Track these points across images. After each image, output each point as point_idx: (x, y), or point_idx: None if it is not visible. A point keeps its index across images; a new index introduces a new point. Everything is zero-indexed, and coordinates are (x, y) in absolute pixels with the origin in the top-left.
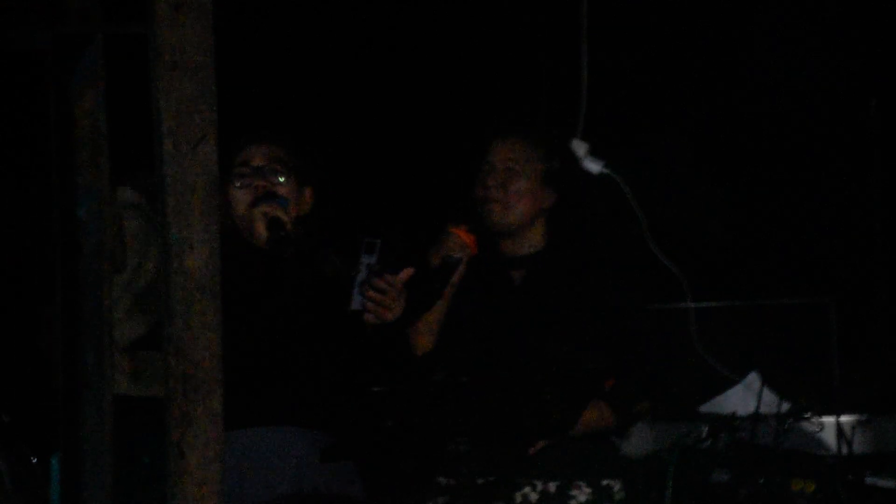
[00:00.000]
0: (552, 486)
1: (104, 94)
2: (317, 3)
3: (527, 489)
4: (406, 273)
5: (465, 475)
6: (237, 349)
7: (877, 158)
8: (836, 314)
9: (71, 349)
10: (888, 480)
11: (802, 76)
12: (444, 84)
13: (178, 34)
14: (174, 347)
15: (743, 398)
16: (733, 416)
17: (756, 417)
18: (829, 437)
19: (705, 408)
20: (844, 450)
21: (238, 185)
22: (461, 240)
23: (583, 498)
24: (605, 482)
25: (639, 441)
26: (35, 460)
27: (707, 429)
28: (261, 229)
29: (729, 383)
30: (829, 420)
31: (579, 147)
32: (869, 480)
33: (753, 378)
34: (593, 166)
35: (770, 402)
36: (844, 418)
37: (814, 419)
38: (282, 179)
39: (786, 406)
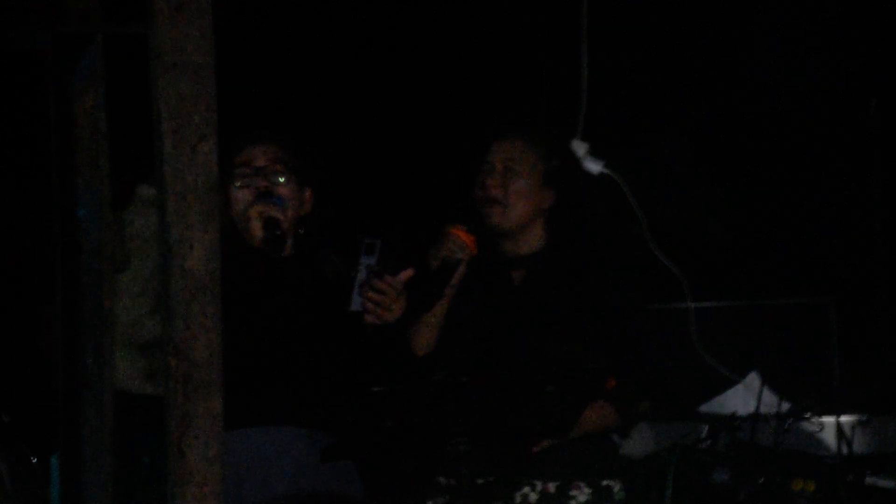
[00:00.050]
0: (552, 487)
1: (104, 94)
2: (317, 3)
3: (526, 489)
4: (406, 274)
5: (465, 475)
6: (237, 349)
7: (877, 158)
8: (836, 314)
9: (71, 349)
10: (888, 480)
11: (802, 76)
12: (444, 84)
13: (178, 34)
14: (174, 347)
15: (743, 398)
16: (733, 416)
17: (756, 417)
18: (829, 437)
19: (705, 408)
20: (844, 450)
21: (239, 184)
22: (461, 240)
23: (583, 498)
24: (605, 482)
25: (639, 441)
26: (35, 460)
27: (707, 429)
28: (257, 229)
29: (729, 383)
30: (829, 420)
31: (579, 147)
32: (869, 480)
33: (753, 378)
34: (593, 166)
35: (770, 402)
36: (844, 418)
37: (814, 419)
38: (282, 180)
39: (786, 406)
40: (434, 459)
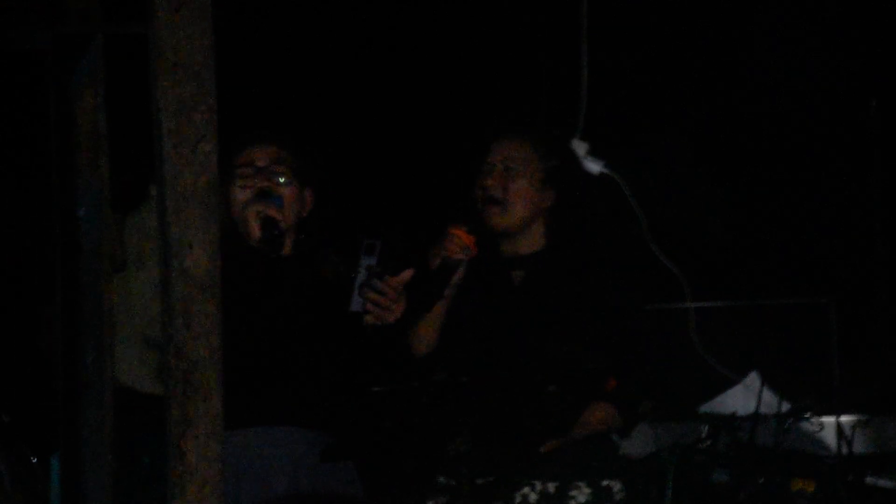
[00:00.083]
0: (552, 487)
1: (104, 94)
2: (317, 3)
3: (526, 489)
4: (406, 274)
5: (465, 475)
6: (237, 349)
7: (877, 158)
8: (836, 314)
9: (71, 349)
10: (888, 480)
11: (802, 76)
12: (444, 84)
13: (178, 34)
14: (174, 347)
15: (743, 398)
16: (733, 416)
17: (756, 417)
18: (829, 437)
19: (705, 408)
20: (844, 450)
21: (240, 184)
22: (461, 241)
23: (582, 498)
24: (605, 482)
25: (639, 441)
26: (35, 460)
27: (707, 429)
28: (255, 229)
29: (729, 383)
30: (829, 420)
31: (579, 147)
32: (869, 480)
33: (753, 378)
34: (593, 166)
35: (770, 402)
36: (844, 418)
37: (814, 419)
38: (283, 180)
39: (786, 406)
40: (434, 459)
